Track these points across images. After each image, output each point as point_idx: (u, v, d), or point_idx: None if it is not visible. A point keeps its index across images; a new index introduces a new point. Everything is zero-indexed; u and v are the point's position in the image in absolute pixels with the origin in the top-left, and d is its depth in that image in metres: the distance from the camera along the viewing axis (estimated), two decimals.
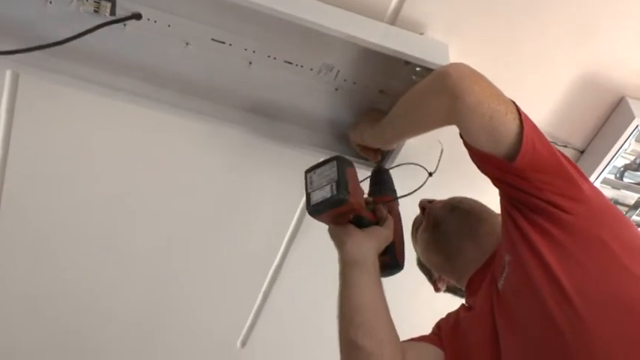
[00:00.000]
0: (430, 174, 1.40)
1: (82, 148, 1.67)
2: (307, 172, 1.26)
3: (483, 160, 1.16)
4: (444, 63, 1.31)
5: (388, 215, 1.33)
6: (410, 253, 1.43)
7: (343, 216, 1.25)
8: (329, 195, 1.20)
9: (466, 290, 1.37)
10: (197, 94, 1.50)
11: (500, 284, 1.17)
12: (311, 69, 1.46)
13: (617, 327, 1.00)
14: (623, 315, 1.01)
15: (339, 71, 1.46)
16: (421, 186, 1.37)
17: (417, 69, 1.39)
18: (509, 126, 1.09)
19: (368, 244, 1.25)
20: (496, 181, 1.20)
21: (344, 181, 1.20)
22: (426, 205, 1.50)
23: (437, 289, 1.51)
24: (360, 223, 1.27)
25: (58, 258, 1.94)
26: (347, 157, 1.27)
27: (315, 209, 1.22)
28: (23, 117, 1.58)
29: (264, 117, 1.54)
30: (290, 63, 1.45)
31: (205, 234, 1.89)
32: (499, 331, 1.14)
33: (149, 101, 1.47)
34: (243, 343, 2.19)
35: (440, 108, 1.15)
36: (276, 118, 1.54)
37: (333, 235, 1.28)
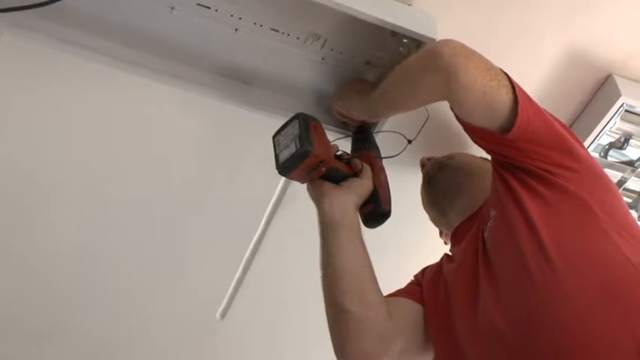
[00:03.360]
0: (409, 141, 1.42)
1: (63, 111, 1.64)
2: (274, 136, 1.29)
3: (477, 134, 1.18)
4: (431, 34, 1.30)
5: (365, 165, 1.33)
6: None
7: (314, 170, 1.25)
8: (294, 150, 1.22)
9: (451, 240, 1.42)
10: (181, 60, 1.47)
11: (485, 234, 1.20)
12: (297, 38, 1.43)
13: (588, 284, 1.03)
14: (597, 273, 1.04)
15: (325, 40, 1.44)
16: (400, 153, 1.41)
17: (404, 40, 1.38)
18: (503, 100, 1.11)
19: (345, 197, 1.26)
20: (489, 152, 1.21)
21: (306, 134, 1.22)
22: (424, 163, 1.56)
23: (445, 242, 1.55)
24: (336, 177, 1.28)
25: (36, 223, 1.92)
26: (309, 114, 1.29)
27: (283, 167, 1.24)
28: (3, 77, 1.55)
29: (249, 85, 1.52)
30: (276, 31, 1.42)
31: (185, 202, 1.87)
32: (480, 279, 1.16)
33: (133, 66, 1.44)
34: (223, 315, 2.18)
35: (433, 86, 1.15)
36: (261, 86, 1.52)
37: (310, 195, 1.30)
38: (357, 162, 1.33)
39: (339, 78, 1.51)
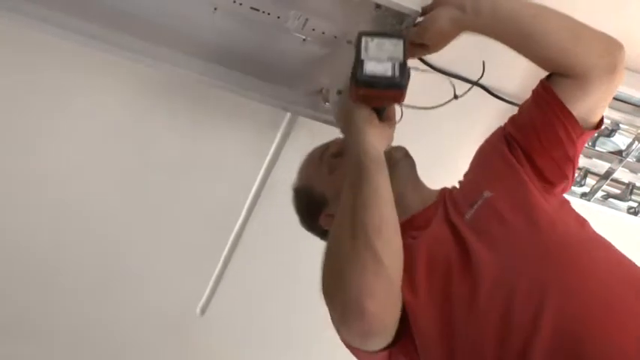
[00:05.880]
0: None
1: (39, 94, 1.62)
2: (363, 34, 1.09)
3: (562, 115, 1.18)
4: (416, 7, 1.26)
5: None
6: None
7: (380, 101, 1.13)
8: (389, 74, 1.06)
9: (407, 225, 1.22)
10: (159, 40, 1.43)
11: (468, 215, 1.17)
12: (278, 17, 1.40)
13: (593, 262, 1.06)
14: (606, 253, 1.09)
15: (307, 20, 1.40)
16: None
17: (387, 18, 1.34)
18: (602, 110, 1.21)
19: (383, 142, 1.15)
20: (540, 128, 1.21)
21: (408, 67, 1.07)
22: None
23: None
24: (380, 117, 1.16)
25: (15, 213, 1.90)
26: None
27: (366, 80, 1.07)
28: None
29: (228, 67, 1.47)
30: (257, 10, 1.38)
31: (163, 194, 1.84)
32: (473, 252, 1.09)
33: (110, 46, 1.40)
34: (203, 311, 2.14)
35: (588, 59, 1.15)
36: (240, 68, 1.48)
37: (355, 116, 1.15)
38: (394, 111, 1.21)
39: (320, 59, 1.47)
